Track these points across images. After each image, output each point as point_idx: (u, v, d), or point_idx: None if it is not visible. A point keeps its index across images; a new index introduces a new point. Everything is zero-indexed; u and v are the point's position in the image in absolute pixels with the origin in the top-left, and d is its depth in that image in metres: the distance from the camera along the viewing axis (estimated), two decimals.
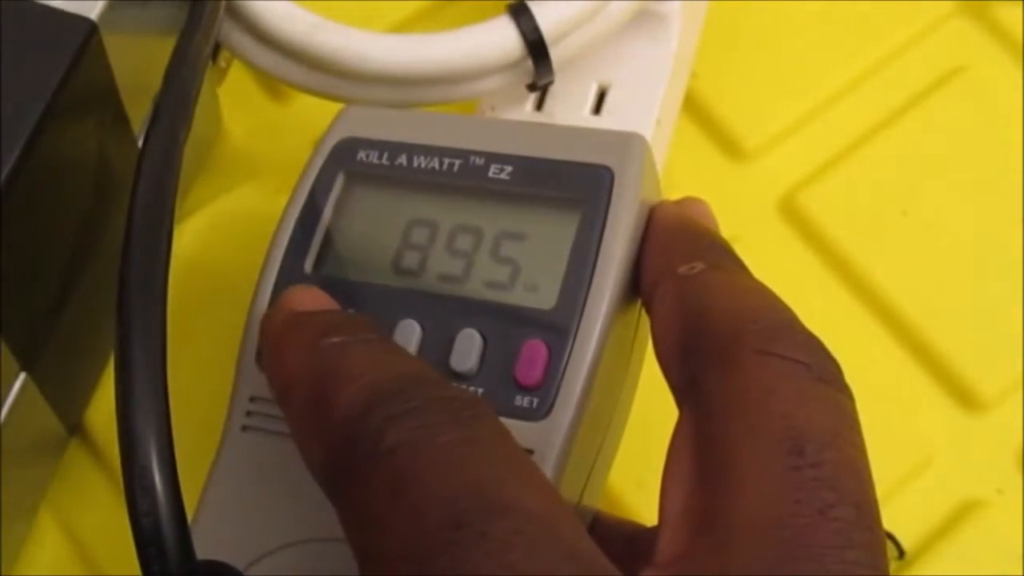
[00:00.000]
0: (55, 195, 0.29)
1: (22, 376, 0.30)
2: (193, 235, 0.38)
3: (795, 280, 0.38)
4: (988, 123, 0.40)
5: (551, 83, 0.34)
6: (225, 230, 0.38)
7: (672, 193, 0.37)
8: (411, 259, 0.28)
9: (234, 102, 0.38)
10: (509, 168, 0.28)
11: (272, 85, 0.39)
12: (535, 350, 0.26)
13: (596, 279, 0.27)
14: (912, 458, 0.36)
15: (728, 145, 0.40)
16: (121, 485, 0.23)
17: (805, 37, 0.41)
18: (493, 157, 0.29)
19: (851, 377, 0.35)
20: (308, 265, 0.29)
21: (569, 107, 0.35)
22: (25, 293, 0.29)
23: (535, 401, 0.26)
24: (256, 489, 0.28)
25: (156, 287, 0.26)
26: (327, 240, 0.29)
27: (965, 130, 0.40)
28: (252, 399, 0.28)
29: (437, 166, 0.29)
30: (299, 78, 0.33)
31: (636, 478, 0.35)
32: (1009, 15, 0.41)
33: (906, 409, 0.36)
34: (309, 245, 0.29)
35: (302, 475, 0.24)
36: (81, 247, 0.32)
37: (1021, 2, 0.41)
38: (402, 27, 0.41)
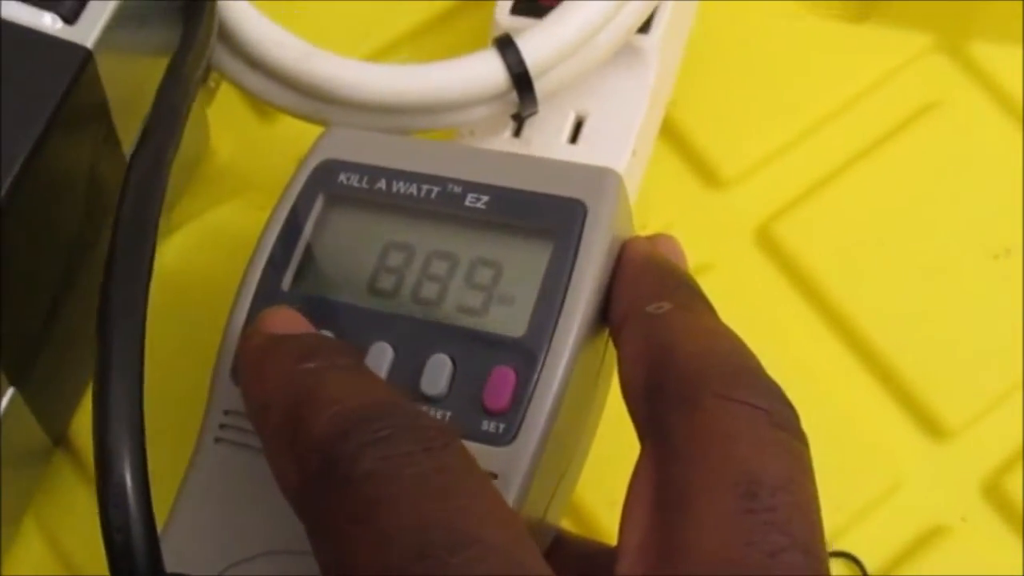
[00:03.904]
0: (48, 214, 0.30)
1: (10, 391, 0.31)
2: (178, 250, 0.38)
3: (769, 307, 0.39)
4: (962, 157, 0.41)
5: (535, 113, 0.34)
6: (210, 246, 0.38)
7: (649, 219, 0.38)
8: (386, 281, 0.29)
9: (222, 120, 0.39)
10: (486, 197, 0.29)
11: (259, 105, 0.40)
12: (503, 376, 0.27)
13: (565, 310, 0.28)
14: (879, 484, 0.37)
15: (705, 173, 0.41)
16: None
17: (784, 67, 0.42)
18: (470, 186, 0.29)
19: (820, 403, 0.36)
20: (286, 283, 0.29)
21: (546, 135, 0.36)
22: (17, 310, 0.30)
23: (501, 426, 0.27)
24: (227, 501, 0.28)
25: (136, 304, 0.26)
26: (305, 259, 0.29)
27: (939, 163, 0.41)
28: (226, 412, 0.29)
29: (415, 192, 0.29)
30: (288, 102, 0.34)
31: (608, 498, 0.35)
32: (984, 52, 0.42)
33: (874, 435, 0.37)
34: (288, 263, 0.29)
35: (273, 488, 0.25)
36: (72, 263, 0.32)
37: (995, 40, 0.42)
38: (387, 50, 0.42)
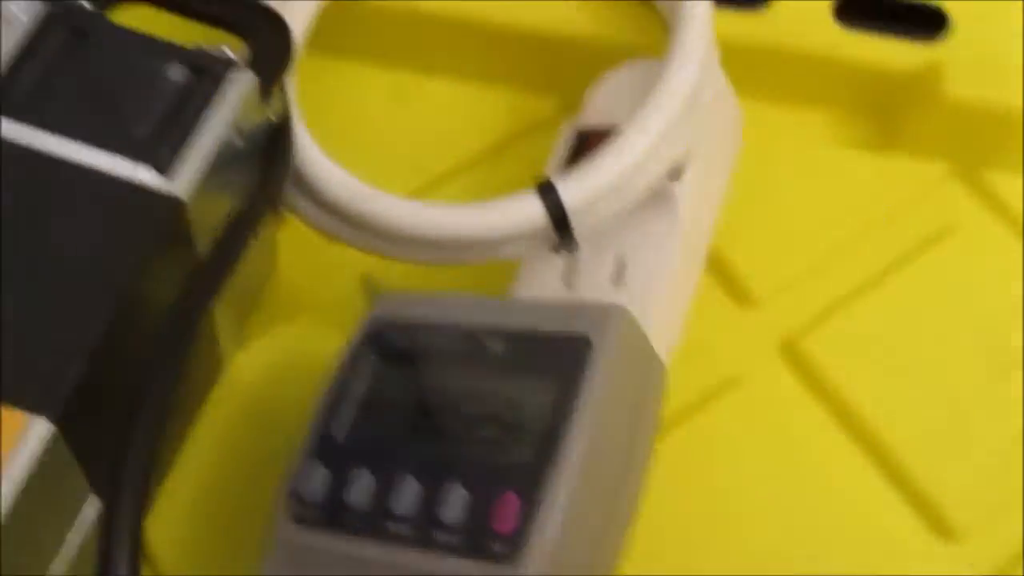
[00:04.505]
0: (137, 340, 0.32)
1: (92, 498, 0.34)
2: (249, 363, 0.41)
3: (793, 419, 0.42)
4: (979, 280, 0.44)
5: (575, 250, 0.37)
6: (280, 360, 0.41)
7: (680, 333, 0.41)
8: (417, 422, 0.32)
9: (289, 243, 0.42)
10: (503, 342, 0.33)
11: None
12: (509, 501, 0.30)
13: (570, 436, 0.30)
14: None
15: (735, 291, 0.43)
16: None
17: (810, 192, 0.45)
18: (491, 333, 0.33)
19: (841, 512, 0.39)
20: (340, 431, 0.33)
21: (592, 277, 0.39)
22: (109, 426, 0.33)
23: (509, 547, 0.29)
24: None
25: (152, 439, 0.30)
26: (358, 410, 0.33)
27: (955, 283, 0.43)
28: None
29: (447, 343, 0.33)
30: (349, 236, 0.37)
31: None
32: (999, 180, 0.45)
33: (894, 546, 0.40)
34: (341, 414, 0.33)
35: None
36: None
37: (1008, 168, 0.45)
38: (439, 182, 0.45)
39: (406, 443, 0.32)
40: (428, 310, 0.34)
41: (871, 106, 0.46)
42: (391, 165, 0.42)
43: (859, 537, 0.40)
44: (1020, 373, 0.42)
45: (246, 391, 0.41)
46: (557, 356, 0.32)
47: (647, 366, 0.33)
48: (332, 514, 0.32)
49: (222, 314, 0.37)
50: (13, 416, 0.28)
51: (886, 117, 0.46)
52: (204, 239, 0.34)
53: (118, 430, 0.31)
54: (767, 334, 0.43)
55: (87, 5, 0.34)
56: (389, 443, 0.32)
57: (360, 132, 0.45)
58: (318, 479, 0.32)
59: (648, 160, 0.37)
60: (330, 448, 0.33)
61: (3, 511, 0.28)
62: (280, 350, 0.41)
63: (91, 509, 0.32)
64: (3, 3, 0.33)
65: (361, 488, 0.31)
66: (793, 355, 0.43)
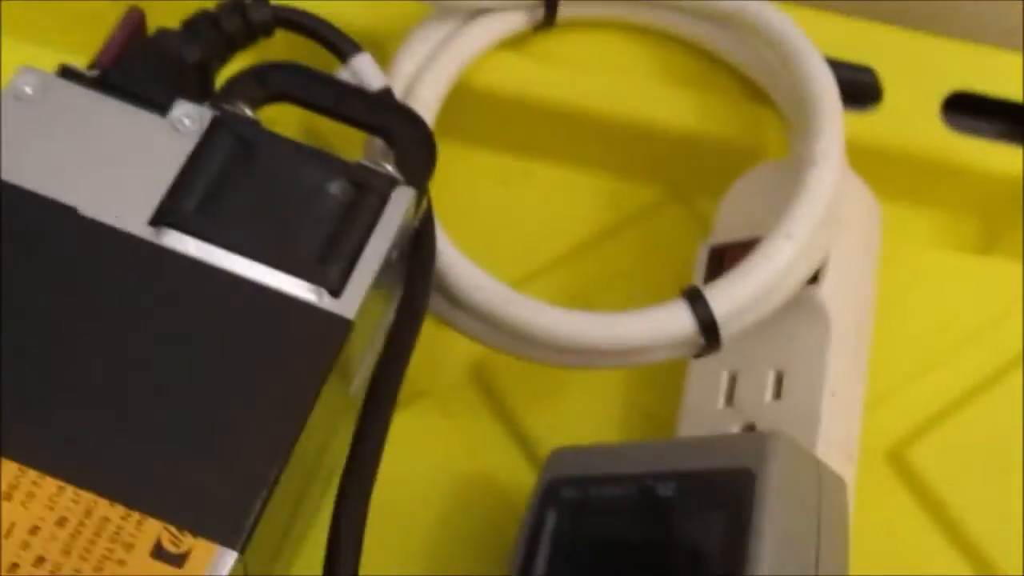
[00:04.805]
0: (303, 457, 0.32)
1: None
2: None
3: (897, 527, 0.42)
4: None
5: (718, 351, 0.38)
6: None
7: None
8: (596, 571, 0.33)
9: None
10: (673, 484, 0.33)
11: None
12: None
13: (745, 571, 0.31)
14: None
15: None
16: None
17: (913, 296, 0.45)
18: (660, 477, 0.33)
19: None
20: None
21: (753, 394, 0.39)
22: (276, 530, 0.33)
23: None
24: None
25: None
26: (544, 564, 0.34)
27: None
28: None
29: (621, 492, 0.34)
30: (492, 340, 0.38)
31: None
32: None
33: None
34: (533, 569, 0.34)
35: None
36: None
37: None
38: (559, 262, 0.45)
39: None
40: (601, 460, 0.35)
41: (976, 209, 0.47)
42: (498, 250, 0.42)
43: None
44: None
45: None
46: (724, 492, 0.32)
47: (818, 484, 0.33)
48: None
49: None
50: (202, 545, 0.28)
51: (991, 220, 0.47)
52: (355, 356, 0.34)
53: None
54: (874, 442, 0.43)
55: (250, 113, 0.34)
56: None
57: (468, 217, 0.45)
58: None
59: (794, 266, 0.37)
60: None
61: None
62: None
63: None
64: (175, 110, 0.33)
65: None
66: (899, 463, 0.43)
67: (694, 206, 0.47)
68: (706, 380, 0.40)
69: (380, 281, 0.33)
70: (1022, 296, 0.46)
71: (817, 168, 0.39)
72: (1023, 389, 0.44)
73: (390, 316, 0.35)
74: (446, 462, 0.41)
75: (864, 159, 0.45)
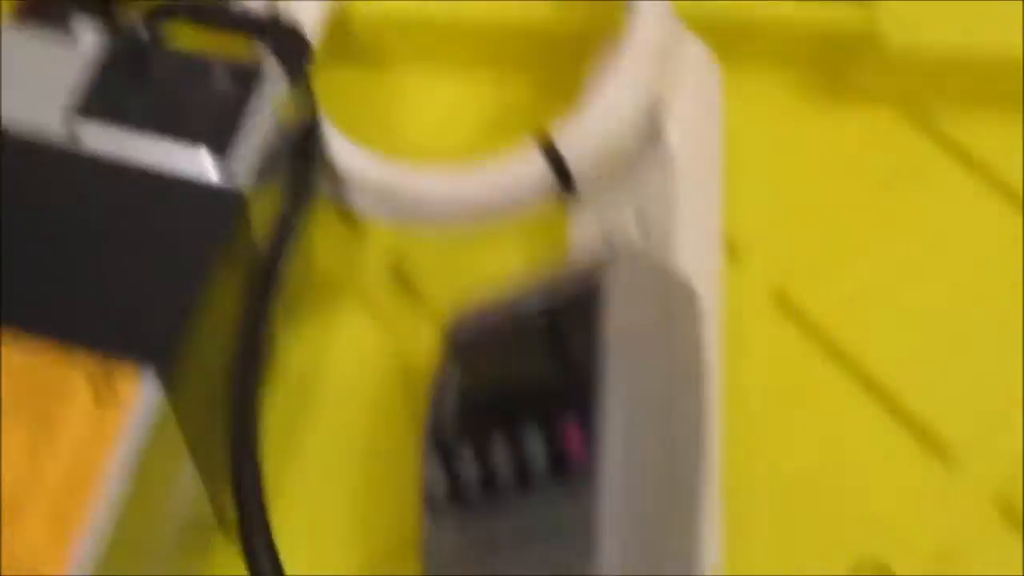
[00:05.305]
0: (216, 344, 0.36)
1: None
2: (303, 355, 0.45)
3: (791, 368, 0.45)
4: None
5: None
6: (319, 349, 0.45)
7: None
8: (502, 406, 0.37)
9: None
10: (547, 314, 0.37)
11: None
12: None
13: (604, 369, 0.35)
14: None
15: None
16: None
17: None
18: (538, 310, 0.38)
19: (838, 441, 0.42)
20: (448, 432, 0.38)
21: (624, 235, 0.43)
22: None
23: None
24: None
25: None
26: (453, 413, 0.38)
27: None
28: None
29: (507, 330, 0.38)
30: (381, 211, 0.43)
31: None
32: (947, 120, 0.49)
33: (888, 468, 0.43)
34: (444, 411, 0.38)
35: None
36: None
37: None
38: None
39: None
40: (489, 309, 0.39)
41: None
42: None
43: (857, 462, 0.43)
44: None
45: (292, 378, 0.44)
46: (585, 308, 0.36)
47: (667, 288, 0.37)
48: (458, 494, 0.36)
49: None
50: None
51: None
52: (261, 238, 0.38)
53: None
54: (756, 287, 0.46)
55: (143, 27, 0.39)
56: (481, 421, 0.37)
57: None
58: (439, 474, 0.37)
59: (624, 94, 0.42)
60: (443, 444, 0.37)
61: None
62: (318, 338, 0.45)
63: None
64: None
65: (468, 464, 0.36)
66: (786, 306, 0.46)
67: None
68: (585, 231, 0.44)
69: (272, 169, 0.38)
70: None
71: (642, 8, 0.43)
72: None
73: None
74: (372, 355, 0.45)
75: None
